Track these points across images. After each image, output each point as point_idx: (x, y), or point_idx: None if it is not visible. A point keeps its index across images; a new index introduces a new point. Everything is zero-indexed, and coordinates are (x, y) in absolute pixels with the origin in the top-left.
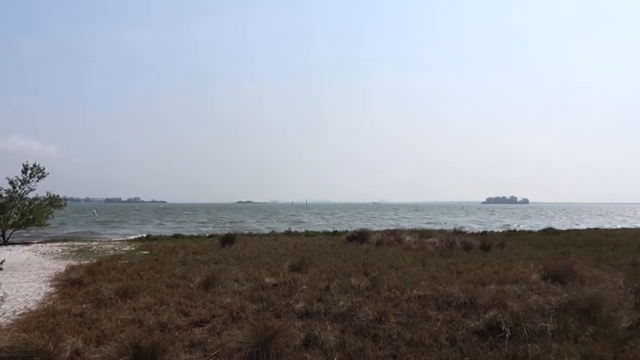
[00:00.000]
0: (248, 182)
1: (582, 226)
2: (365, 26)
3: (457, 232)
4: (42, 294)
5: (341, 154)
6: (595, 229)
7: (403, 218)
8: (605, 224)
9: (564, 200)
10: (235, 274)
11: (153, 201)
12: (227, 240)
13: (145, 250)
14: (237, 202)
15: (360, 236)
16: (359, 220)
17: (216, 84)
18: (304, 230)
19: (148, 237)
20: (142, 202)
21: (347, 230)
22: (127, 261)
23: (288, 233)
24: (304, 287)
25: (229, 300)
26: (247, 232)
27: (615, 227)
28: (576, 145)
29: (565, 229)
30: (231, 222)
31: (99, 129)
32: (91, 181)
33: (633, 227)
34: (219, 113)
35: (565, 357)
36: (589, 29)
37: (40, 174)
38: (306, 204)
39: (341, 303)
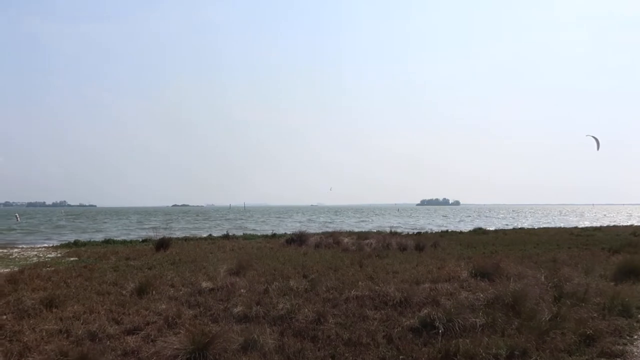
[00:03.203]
0: (183, 185)
1: (522, 225)
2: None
3: (393, 234)
4: None
5: (274, 158)
6: (520, 228)
7: (342, 222)
8: (532, 223)
9: (493, 202)
10: (170, 279)
11: (81, 205)
12: (162, 244)
13: (73, 257)
14: (173, 206)
15: (299, 239)
16: (298, 222)
17: (154, 83)
18: (242, 234)
19: (76, 243)
20: (70, 206)
21: (285, 233)
22: (53, 268)
23: (226, 236)
24: (242, 290)
25: (164, 306)
26: (183, 236)
27: (538, 227)
28: (500, 155)
29: (493, 228)
30: (167, 227)
31: (22, 128)
32: (12, 183)
33: (553, 226)
34: (158, 112)
35: (494, 349)
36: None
37: None
38: (244, 207)
39: (280, 306)
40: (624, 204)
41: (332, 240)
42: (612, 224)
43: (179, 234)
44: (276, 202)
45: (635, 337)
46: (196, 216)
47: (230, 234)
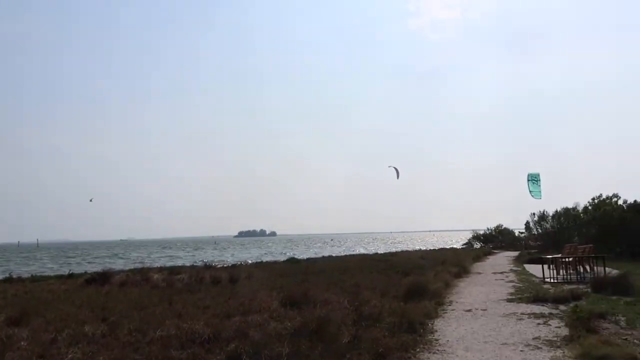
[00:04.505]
0: None
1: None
2: None
3: (208, 267)
4: None
5: (80, 186)
6: (329, 256)
7: (155, 257)
8: (341, 252)
9: (308, 232)
10: None
11: None
12: None
13: None
14: None
15: (102, 277)
16: (107, 260)
17: None
18: (30, 275)
19: None
20: None
21: (86, 272)
22: None
23: (8, 279)
24: (22, 343)
25: None
26: None
27: (345, 254)
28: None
29: (305, 257)
30: None
31: None
32: None
33: (358, 253)
34: None
35: None
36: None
37: None
38: (37, 244)
39: (70, 356)
40: (416, 231)
41: (141, 277)
42: (406, 249)
43: None
44: (79, 238)
45: (418, 350)
46: None
47: (14, 276)
